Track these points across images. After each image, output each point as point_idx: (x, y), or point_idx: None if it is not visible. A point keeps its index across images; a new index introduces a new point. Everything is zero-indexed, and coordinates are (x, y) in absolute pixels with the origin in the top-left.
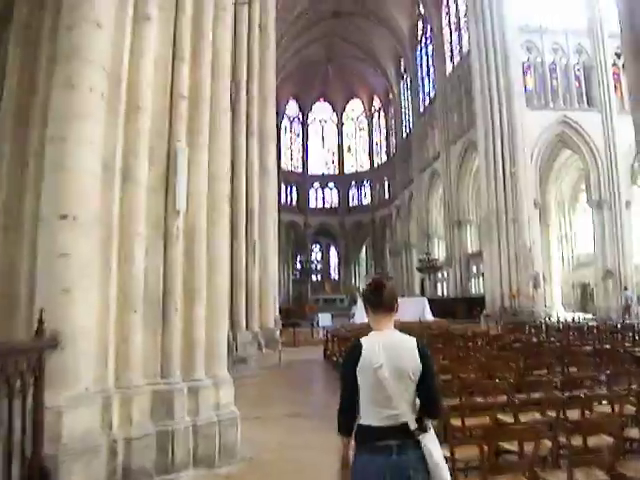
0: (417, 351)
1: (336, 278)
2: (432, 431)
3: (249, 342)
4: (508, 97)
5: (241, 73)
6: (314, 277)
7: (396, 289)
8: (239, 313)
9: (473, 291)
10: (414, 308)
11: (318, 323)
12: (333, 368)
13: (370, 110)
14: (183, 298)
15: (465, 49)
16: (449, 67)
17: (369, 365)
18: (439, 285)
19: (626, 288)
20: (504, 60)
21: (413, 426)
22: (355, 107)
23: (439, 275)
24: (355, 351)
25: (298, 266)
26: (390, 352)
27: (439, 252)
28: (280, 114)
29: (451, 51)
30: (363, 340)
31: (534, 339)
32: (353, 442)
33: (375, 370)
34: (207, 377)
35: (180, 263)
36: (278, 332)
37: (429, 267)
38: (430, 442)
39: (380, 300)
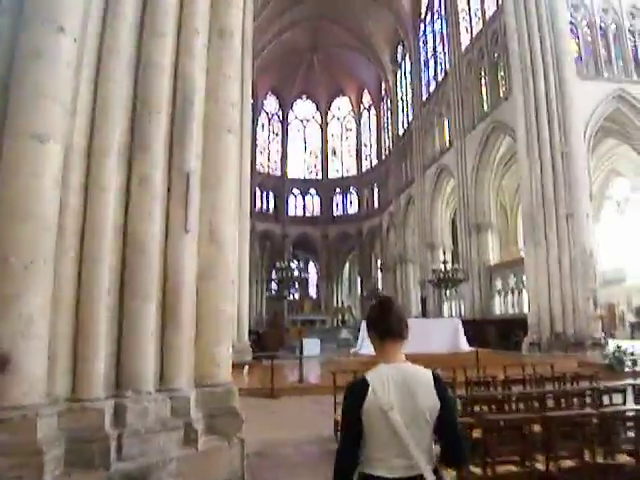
0: (433, 386)
1: (314, 297)
2: None
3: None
4: (557, 61)
5: None
6: (291, 296)
7: (404, 312)
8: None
9: (497, 312)
10: (444, 333)
11: (301, 351)
12: None
13: (359, 108)
14: None
15: (490, 12)
16: (466, 40)
17: (377, 407)
18: (446, 305)
19: None
20: (550, 16)
21: (430, 478)
22: (342, 105)
23: (446, 293)
24: (359, 390)
25: (273, 283)
26: (402, 390)
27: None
28: (257, 110)
29: (469, 19)
30: (369, 375)
31: None
32: None
33: (385, 413)
34: None
35: None
36: (245, 370)
37: (446, 280)
38: None
39: (388, 325)
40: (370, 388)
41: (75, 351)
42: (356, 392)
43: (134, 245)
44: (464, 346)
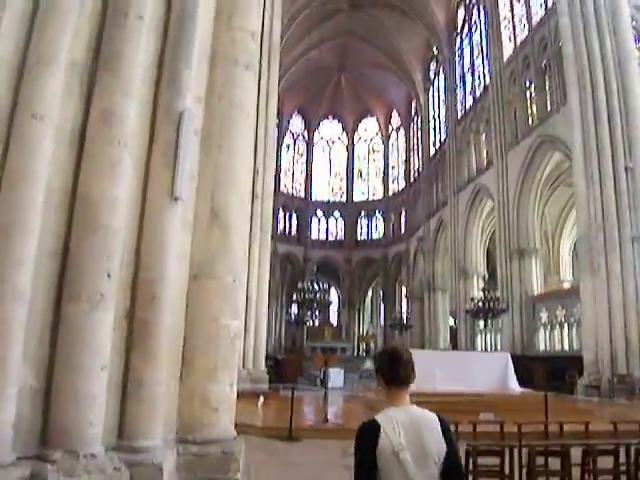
0: (440, 429)
1: (334, 324)
2: None
3: None
4: (619, 65)
5: None
6: (310, 322)
7: (412, 358)
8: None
9: (542, 347)
10: (491, 370)
11: (323, 382)
12: None
13: (387, 129)
14: None
15: (537, 17)
16: (508, 49)
17: (389, 449)
18: (479, 338)
19: None
20: (610, 15)
21: None
22: (369, 127)
23: (486, 324)
24: (372, 432)
25: (293, 307)
26: (411, 432)
27: (478, 295)
28: (282, 130)
29: (512, 27)
30: (379, 418)
31: None
32: None
33: (396, 454)
34: None
35: None
36: (260, 401)
37: (485, 310)
38: None
39: (396, 374)
40: (381, 430)
41: None
42: (369, 434)
43: (85, 214)
44: (514, 386)
